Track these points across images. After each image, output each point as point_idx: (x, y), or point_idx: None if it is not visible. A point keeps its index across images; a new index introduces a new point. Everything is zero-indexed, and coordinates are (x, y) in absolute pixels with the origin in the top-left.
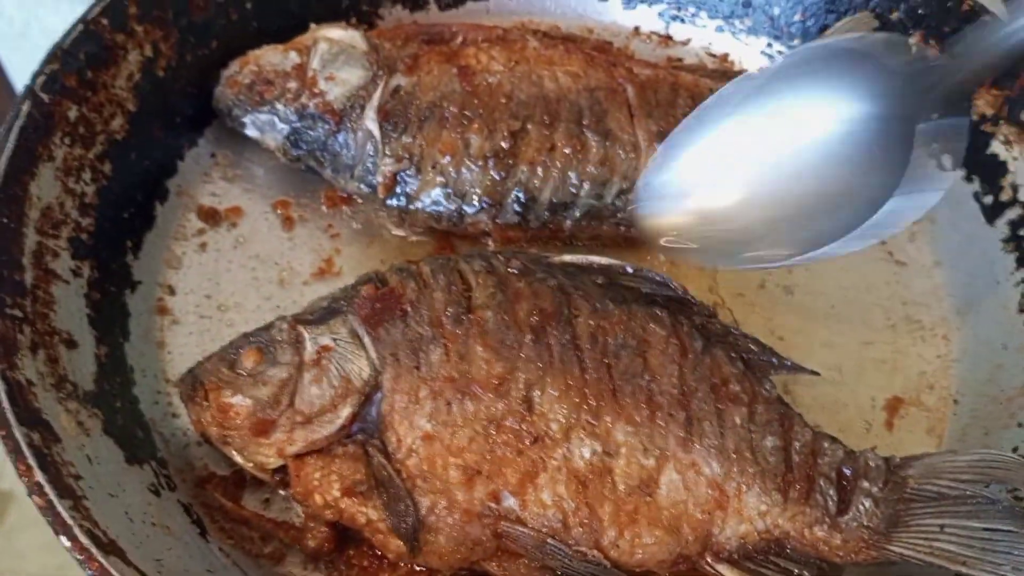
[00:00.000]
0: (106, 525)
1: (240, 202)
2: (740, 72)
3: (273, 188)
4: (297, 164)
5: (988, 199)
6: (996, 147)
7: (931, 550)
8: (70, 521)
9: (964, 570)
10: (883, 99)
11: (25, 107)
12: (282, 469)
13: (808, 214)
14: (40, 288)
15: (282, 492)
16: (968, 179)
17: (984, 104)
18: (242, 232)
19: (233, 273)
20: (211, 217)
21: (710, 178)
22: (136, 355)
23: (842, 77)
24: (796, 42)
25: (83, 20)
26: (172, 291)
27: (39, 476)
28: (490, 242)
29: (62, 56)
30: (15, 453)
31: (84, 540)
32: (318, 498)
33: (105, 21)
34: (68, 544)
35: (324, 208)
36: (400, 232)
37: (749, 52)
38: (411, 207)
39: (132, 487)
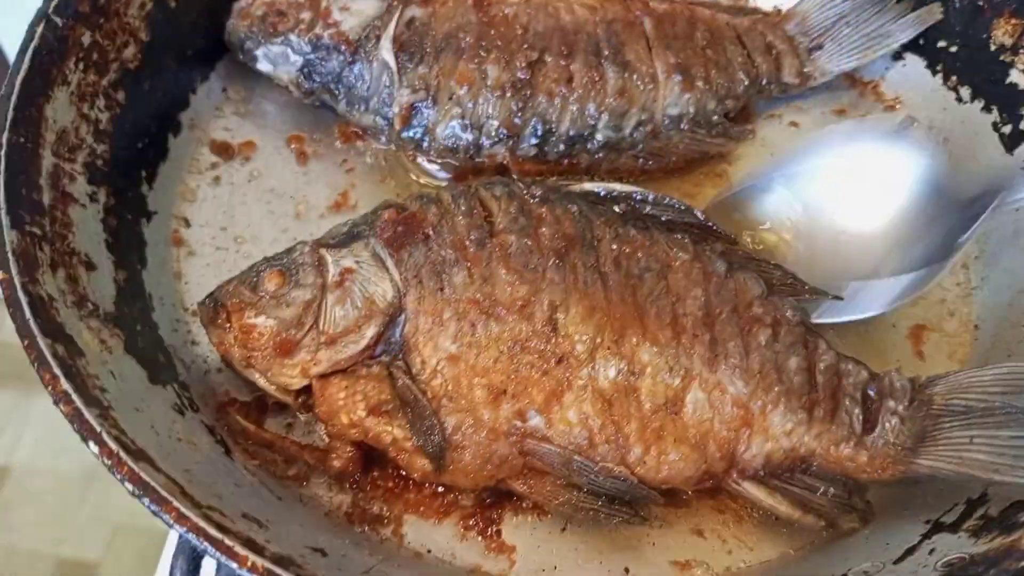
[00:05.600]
0: (134, 435)
1: (253, 137)
2: (753, 9)
3: (286, 124)
4: (311, 99)
5: (1007, 128)
6: (1015, 76)
7: (961, 460)
8: (98, 428)
9: (997, 477)
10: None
11: (39, 29)
12: (304, 392)
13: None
14: (58, 209)
15: (303, 416)
16: (987, 110)
17: (1003, 34)
18: (256, 167)
19: (248, 206)
20: (224, 151)
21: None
22: (154, 283)
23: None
24: None
25: None
26: (187, 223)
27: (65, 385)
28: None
29: None
30: (39, 363)
31: (113, 445)
32: (343, 417)
33: None
34: (96, 450)
35: (338, 143)
36: (422, 165)
37: None
38: (427, 139)
39: (156, 404)
